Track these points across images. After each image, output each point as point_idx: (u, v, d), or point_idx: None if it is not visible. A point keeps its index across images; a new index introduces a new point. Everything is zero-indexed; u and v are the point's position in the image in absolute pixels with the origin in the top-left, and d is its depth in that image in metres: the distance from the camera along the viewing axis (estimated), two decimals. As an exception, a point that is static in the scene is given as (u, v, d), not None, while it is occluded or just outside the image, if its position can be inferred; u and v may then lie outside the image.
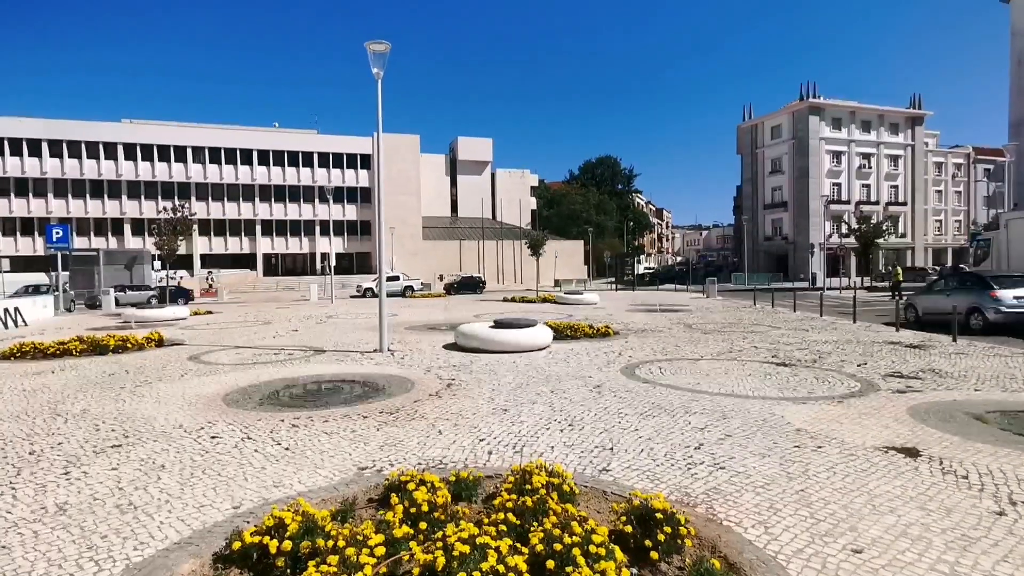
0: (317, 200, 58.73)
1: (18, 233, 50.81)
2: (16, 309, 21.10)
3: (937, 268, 50.79)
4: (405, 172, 59.15)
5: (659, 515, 3.42)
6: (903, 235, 61.37)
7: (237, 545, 3.36)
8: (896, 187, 62.31)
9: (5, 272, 43.14)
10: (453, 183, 72.16)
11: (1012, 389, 7.84)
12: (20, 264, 48.04)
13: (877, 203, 60.20)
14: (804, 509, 4.02)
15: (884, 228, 44.25)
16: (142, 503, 4.33)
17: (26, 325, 20.83)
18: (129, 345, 12.98)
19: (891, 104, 62.61)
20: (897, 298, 20.23)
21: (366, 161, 61.06)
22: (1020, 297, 14.29)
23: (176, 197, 50.80)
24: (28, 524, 3.97)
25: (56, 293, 28.82)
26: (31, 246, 50.21)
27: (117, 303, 30.14)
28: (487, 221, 69.09)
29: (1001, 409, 6.74)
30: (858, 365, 9.85)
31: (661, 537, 3.29)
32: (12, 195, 50.34)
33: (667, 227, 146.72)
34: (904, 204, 62.06)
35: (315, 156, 59.55)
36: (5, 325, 20.03)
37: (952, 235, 69.85)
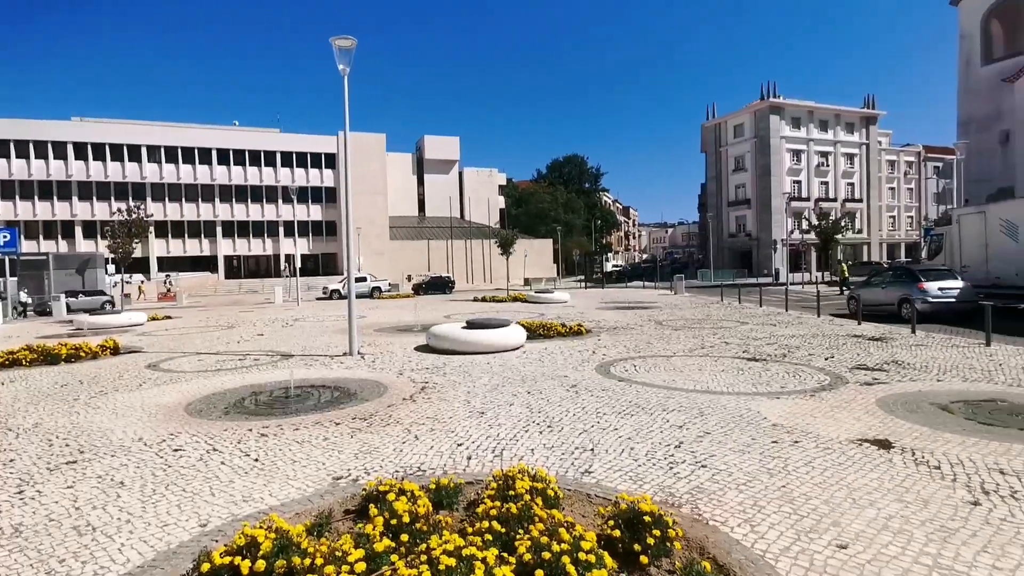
0: (281, 200, 57.40)
1: (-41, 237, 48.16)
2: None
3: (890, 262, 52.69)
4: (371, 171, 58.28)
5: (647, 518, 3.36)
6: (860, 231, 63.38)
7: (206, 567, 3.16)
8: (852, 184, 64.35)
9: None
10: (420, 182, 71.52)
11: (972, 379, 8.10)
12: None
13: (835, 200, 62.03)
14: (787, 505, 4.03)
15: (842, 224, 45.58)
16: (101, 524, 4.06)
17: (-30, 334, 19.71)
18: (82, 354, 12.39)
19: (847, 104, 64.67)
20: (845, 292, 21.27)
21: (331, 160, 59.96)
22: (944, 288, 15.77)
23: (131, 198, 48.87)
24: (-26, 551, 3.68)
25: (4, 300, 27.39)
26: (-26, 251, 47.66)
27: (69, 309, 28.84)
28: (455, 220, 68.66)
29: (964, 399, 6.94)
30: (826, 359, 10.07)
31: (650, 541, 3.24)
32: (-47, 197, 47.74)
33: (634, 225, 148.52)
34: (860, 201, 64.13)
35: (278, 155, 58.15)
36: (-54, 335, 18.91)
37: (905, 230, 72.55)
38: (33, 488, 4.79)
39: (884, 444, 5.31)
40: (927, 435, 5.55)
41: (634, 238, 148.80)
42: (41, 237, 50.18)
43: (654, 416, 6.53)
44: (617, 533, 3.37)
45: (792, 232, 54.15)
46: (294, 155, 58.72)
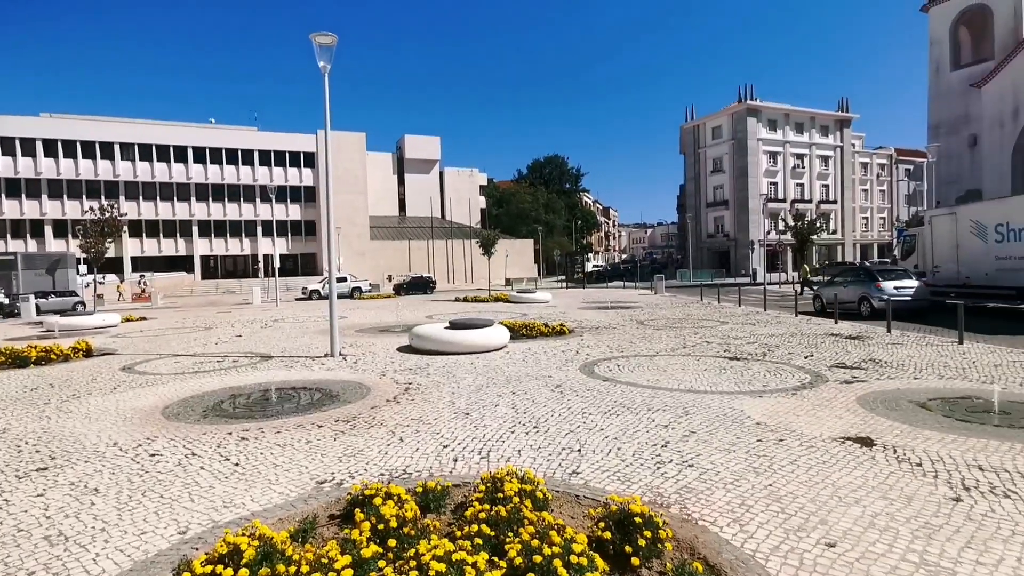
0: (259, 199, 56.55)
1: (-79, 236, 46.56)
2: (-80, 319, 19.24)
3: (865, 263, 53.87)
4: (351, 170, 57.70)
5: (638, 519, 3.34)
6: (834, 231, 64.61)
7: (186, 576, 3.06)
8: (827, 186, 65.56)
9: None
10: (401, 182, 71.02)
11: (947, 377, 8.27)
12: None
13: (810, 201, 63.17)
14: (775, 504, 4.05)
15: (818, 225, 46.44)
16: (74, 533, 3.92)
17: (-68, 337, 19.02)
18: (53, 356, 12.02)
19: (821, 107, 65.91)
20: (808, 291, 22.76)
21: (310, 159, 59.22)
22: (899, 287, 17.02)
23: (103, 196, 47.68)
24: (-62, 565, 3.51)
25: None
26: (-63, 250, 46.06)
27: (38, 311, 28.00)
28: (436, 220, 68.35)
29: (941, 396, 7.08)
30: (805, 357, 10.20)
31: (642, 542, 3.21)
32: (-86, 195, 46.09)
33: (614, 225, 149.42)
34: (834, 202, 65.38)
35: (255, 154, 57.25)
36: (-93, 337, 18.21)
37: (877, 231, 74.13)
38: (0, 497, 4.61)
39: (866, 442, 5.37)
40: (908, 432, 5.63)
41: (614, 238, 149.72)
42: (9, 236, 48.70)
43: (639, 416, 6.53)
44: (608, 535, 3.34)
45: (769, 233, 55.00)
46: (272, 154, 57.87)
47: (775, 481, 4.48)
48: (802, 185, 64.15)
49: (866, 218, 73.39)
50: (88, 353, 12.82)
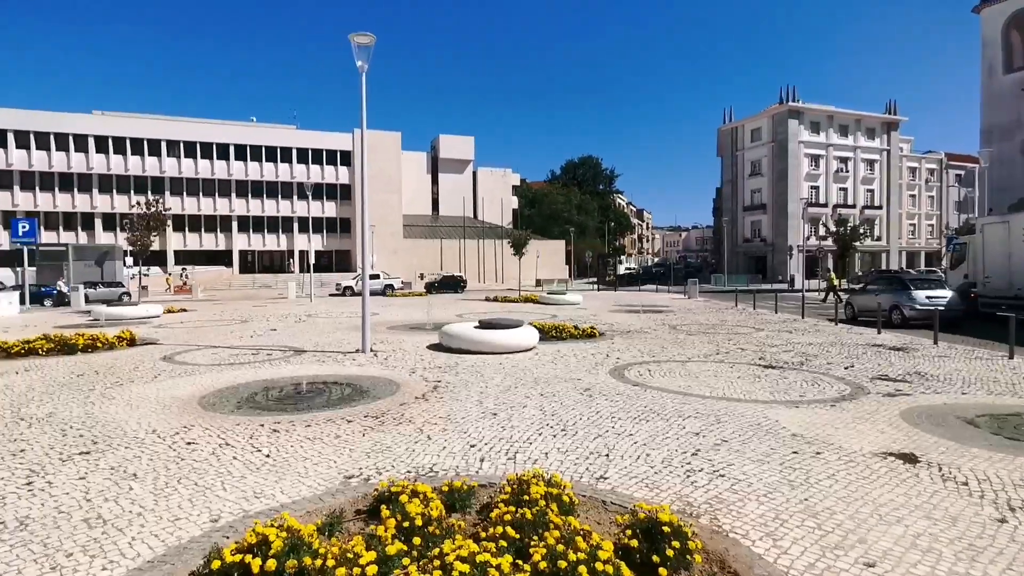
0: (296, 196, 57.72)
1: (-18, 227, 48.97)
2: (-22, 306, 20.26)
3: (912, 271, 52.02)
4: (386, 169, 58.42)
5: (666, 528, 3.26)
6: (879, 238, 62.56)
7: (216, 564, 3.10)
8: (872, 191, 63.49)
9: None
10: (434, 181, 71.62)
11: (997, 392, 7.88)
12: (-16, 259, 46.39)
13: (853, 206, 61.30)
14: (810, 519, 3.90)
15: (861, 231, 45.02)
16: (112, 516, 4.04)
17: (-11, 322, 20.00)
18: (99, 344, 12.49)
19: (867, 109, 63.83)
20: (835, 300, 22.65)
21: (346, 157, 60.21)
22: (931, 296, 16.92)
23: (150, 191, 49.61)
24: (-15, 542, 3.66)
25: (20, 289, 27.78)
26: (-4, 240, 48.42)
27: (87, 300, 29.19)
28: (468, 220, 68.69)
29: (990, 413, 6.75)
30: (845, 368, 9.87)
31: (670, 552, 3.14)
32: (-24, 187, 48.54)
33: (647, 228, 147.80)
34: (879, 208, 63.28)
35: (294, 152, 58.49)
36: (-33, 322, 19.20)
37: (925, 239, 71.51)
38: (43, 479, 4.79)
39: (910, 458, 5.15)
40: (954, 450, 5.38)
41: (647, 241, 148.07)
42: (61, 228, 50.86)
43: (670, 422, 6.41)
44: (635, 543, 3.27)
45: (809, 238, 53.55)
46: (310, 152, 59.02)
47: (811, 495, 4.33)
48: (845, 189, 62.28)
49: (913, 225, 70.91)
50: (132, 342, 13.28)
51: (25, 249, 28.78)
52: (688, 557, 3.17)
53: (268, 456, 5.33)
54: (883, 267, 59.99)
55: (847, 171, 62.20)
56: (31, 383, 8.90)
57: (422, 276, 52.00)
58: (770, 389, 8.15)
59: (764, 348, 12.28)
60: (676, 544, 3.17)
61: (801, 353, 11.54)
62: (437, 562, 2.99)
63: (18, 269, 33.24)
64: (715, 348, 12.31)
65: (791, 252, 54.40)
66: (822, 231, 49.50)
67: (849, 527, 3.79)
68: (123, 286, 34.16)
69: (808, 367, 9.94)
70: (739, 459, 5.15)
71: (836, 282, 30.86)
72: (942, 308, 16.33)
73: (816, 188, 60.92)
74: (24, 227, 28.09)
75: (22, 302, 26.02)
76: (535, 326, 13.17)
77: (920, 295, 16.94)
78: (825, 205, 60.14)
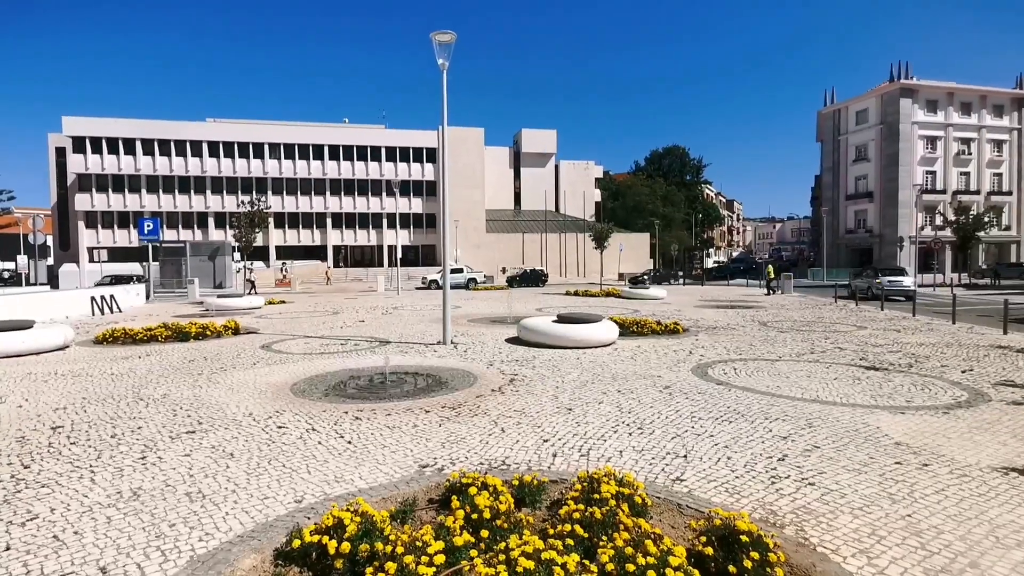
0: (384, 193, 60.08)
1: (115, 226, 54.87)
2: (112, 297, 22.74)
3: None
4: (469, 165, 59.48)
5: (744, 537, 3.07)
6: (1007, 227, 56.04)
7: (297, 543, 3.29)
8: (999, 175, 56.86)
9: (104, 262, 46.89)
10: (516, 175, 71.98)
11: None
12: (119, 255, 52.09)
13: (977, 192, 55.26)
14: (913, 538, 3.54)
15: (986, 220, 40.51)
16: (210, 492, 4.38)
17: (120, 312, 22.41)
18: (208, 333, 13.62)
19: (995, 84, 57.14)
20: (770, 294, 26.02)
21: (431, 155, 61.86)
22: (892, 281, 23.98)
23: (254, 191, 53.50)
24: (103, 509, 4.08)
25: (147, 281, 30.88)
26: (127, 238, 54.09)
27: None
28: (550, 214, 68.54)
29: None
30: (962, 371, 8.90)
31: (748, 564, 2.94)
32: (110, 191, 54.43)
33: (738, 219, 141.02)
34: (1009, 193, 56.57)
35: (382, 150, 60.88)
36: (103, 311, 21.62)
37: (1065, 228, 63.09)
38: (155, 454, 5.27)
39: (1038, 475, 4.55)
40: (1095, 468, 4.69)
41: (738, 233, 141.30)
42: (180, 227, 56.05)
43: (755, 424, 6.05)
44: (710, 551, 3.10)
45: (923, 228, 48.94)
46: (397, 150, 61.19)
47: (916, 511, 3.92)
48: (967, 174, 56.23)
49: (1050, 212, 62.76)
50: (236, 331, 14.39)
51: (150, 246, 31.95)
52: (768, 570, 2.96)
53: (350, 443, 5.57)
54: (1012, 259, 53.74)
55: (969, 153, 56.06)
56: (151, 366, 9.86)
57: (504, 270, 52.56)
58: (871, 392, 7.50)
59: (866, 348, 11.33)
60: (755, 555, 2.98)
61: (910, 354, 10.54)
62: (503, 556, 2.98)
63: (144, 264, 36.89)
64: (809, 347, 11.52)
65: (901, 244, 49.87)
66: (939, 220, 44.96)
67: (959, 549, 3.40)
68: (253, 286, 34.62)
69: (917, 369, 9.07)
70: (832, 467, 4.77)
71: (772, 275, 31.64)
72: (900, 289, 22.42)
73: (932, 173, 55.44)
74: (149, 226, 31.15)
75: (148, 295, 28.91)
76: (615, 321, 12.92)
77: (884, 279, 21.33)
78: (943, 192, 54.61)
